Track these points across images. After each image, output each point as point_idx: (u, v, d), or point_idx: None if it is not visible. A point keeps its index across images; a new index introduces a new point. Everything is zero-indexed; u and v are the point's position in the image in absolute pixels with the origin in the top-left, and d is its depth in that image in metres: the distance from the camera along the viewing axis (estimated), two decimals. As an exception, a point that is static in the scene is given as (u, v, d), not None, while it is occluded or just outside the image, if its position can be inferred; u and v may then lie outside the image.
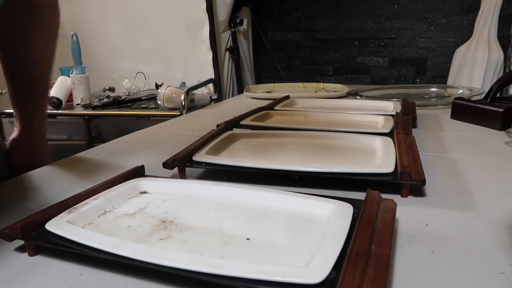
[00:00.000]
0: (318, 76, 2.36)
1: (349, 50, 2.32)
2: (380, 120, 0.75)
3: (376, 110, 0.87)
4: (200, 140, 0.61)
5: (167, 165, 0.53)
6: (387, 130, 0.66)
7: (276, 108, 0.91)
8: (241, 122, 0.75)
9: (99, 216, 0.40)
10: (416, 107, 0.99)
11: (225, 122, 0.73)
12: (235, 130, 0.71)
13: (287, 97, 1.05)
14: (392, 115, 0.78)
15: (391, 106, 0.90)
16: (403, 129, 0.65)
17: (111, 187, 0.45)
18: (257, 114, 0.81)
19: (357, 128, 0.68)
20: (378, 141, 0.60)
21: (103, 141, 0.91)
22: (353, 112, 0.84)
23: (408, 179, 0.45)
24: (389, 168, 0.48)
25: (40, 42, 0.62)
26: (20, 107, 0.63)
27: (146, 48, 2.05)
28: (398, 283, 0.31)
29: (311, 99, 1.09)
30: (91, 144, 1.73)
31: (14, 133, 0.64)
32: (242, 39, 2.28)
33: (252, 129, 0.70)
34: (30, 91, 0.63)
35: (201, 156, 0.54)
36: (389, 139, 0.59)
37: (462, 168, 0.57)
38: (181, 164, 0.53)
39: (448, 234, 0.38)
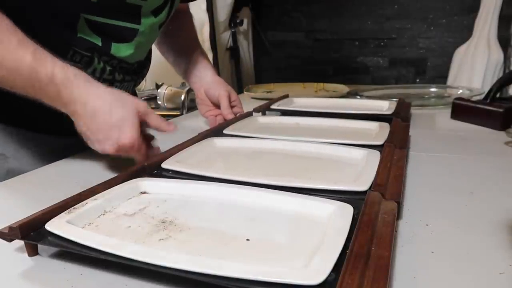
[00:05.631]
0: (318, 76, 2.35)
1: (349, 50, 2.32)
2: (375, 128, 0.71)
3: (371, 110, 0.85)
4: (177, 147, 0.59)
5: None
6: (379, 142, 0.60)
7: (272, 107, 0.90)
8: (224, 131, 0.70)
9: (99, 216, 0.40)
10: (416, 107, 0.99)
11: (208, 130, 0.70)
12: (218, 139, 0.66)
13: (286, 96, 1.05)
14: (390, 119, 0.74)
15: (386, 106, 0.88)
16: (398, 140, 0.61)
17: (111, 187, 0.44)
18: (245, 121, 0.78)
19: (348, 137, 0.63)
20: (363, 155, 0.55)
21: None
22: (350, 111, 0.82)
23: None
24: (363, 186, 0.43)
25: (186, 29, 0.91)
26: (192, 72, 0.88)
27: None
28: (398, 283, 0.31)
29: (309, 98, 1.08)
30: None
31: (201, 84, 0.87)
32: (242, 39, 2.28)
33: (235, 137, 0.67)
34: (192, 60, 0.88)
35: (171, 164, 0.52)
36: (376, 153, 0.54)
37: (462, 168, 0.57)
38: (148, 171, 0.51)
39: (448, 234, 0.38)
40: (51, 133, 0.71)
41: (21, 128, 0.68)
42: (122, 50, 0.66)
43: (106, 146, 0.51)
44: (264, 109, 0.89)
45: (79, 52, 0.61)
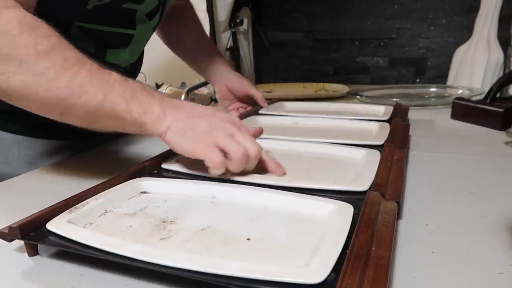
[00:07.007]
0: (318, 76, 2.35)
1: (349, 50, 2.32)
2: (375, 128, 0.70)
3: (368, 115, 0.81)
4: None
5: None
6: (379, 142, 0.59)
7: (266, 112, 0.85)
8: None
9: (99, 216, 0.40)
10: (416, 107, 0.99)
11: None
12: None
13: (277, 101, 1.00)
14: (390, 121, 0.73)
15: (383, 110, 0.84)
16: (398, 140, 0.61)
17: (111, 187, 0.45)
18: (245, 121, 0.75)
19: (349, 137, 0.62)
20: (363, 155, 0.54)
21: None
22: (348, 116, 0.79)
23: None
24: (363, 186, 0.43)
25: (195, 25, 0.92)
26: (211, 68, 0.91)
27: (146, 48, 2.04)
28: (398, 283, 0.31)
29: (303, 102, 1.02)
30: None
31: (222, 80, 0.91)
32: (242, 39, 2.28)
33: None
34: (208, 56, 0.91)
35: (171, 164, 0.52)
36: (376, 153, 0.54)
37: (462, 168, 0.57)
38: (148, 171, 0.51)
39: (448, 234, 0.38)
40: (41, 137, 0.68)
41: (9, 133, 0.67)
42: (118, 56, 0.65)
43: (215, 132, 0.46)
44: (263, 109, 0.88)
45: None
